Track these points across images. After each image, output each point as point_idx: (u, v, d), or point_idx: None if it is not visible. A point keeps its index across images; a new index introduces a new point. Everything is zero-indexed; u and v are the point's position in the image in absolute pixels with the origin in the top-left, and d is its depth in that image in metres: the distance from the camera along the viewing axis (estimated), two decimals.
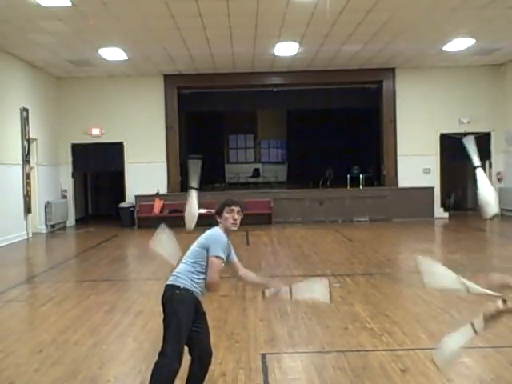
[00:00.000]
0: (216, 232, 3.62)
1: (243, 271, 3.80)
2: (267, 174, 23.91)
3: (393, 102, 16.53)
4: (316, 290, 3.57)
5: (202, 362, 3.65)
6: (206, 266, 3.56)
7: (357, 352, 4.81)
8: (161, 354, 3.46)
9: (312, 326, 5.63)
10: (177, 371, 3.43)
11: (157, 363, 3.46)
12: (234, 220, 3.63)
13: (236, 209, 3.64)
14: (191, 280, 3.54)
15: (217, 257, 3.50)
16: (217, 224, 3.67)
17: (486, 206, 3.34)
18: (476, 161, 3.43)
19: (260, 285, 3.93)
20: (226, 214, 3.63)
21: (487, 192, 3.36)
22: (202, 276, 3.57)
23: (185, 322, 3.49)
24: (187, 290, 3.52)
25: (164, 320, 3.54)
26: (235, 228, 3.65)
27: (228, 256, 3.68)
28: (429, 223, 15.08)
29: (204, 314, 3.70)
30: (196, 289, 3.55)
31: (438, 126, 16.34)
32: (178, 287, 3.53)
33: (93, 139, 16.28)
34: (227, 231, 3.64)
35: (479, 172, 3.37)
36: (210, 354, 3.68)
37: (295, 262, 9.53)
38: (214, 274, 3.50)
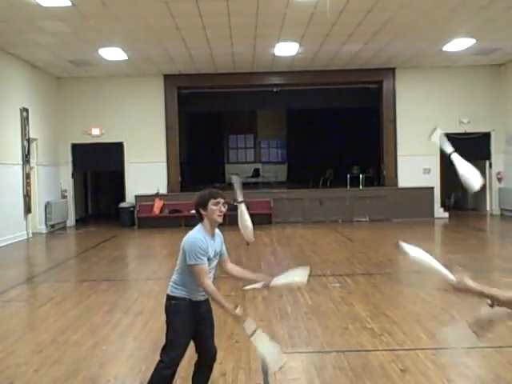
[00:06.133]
0: (191, 235, 3.52)
1: (230, 265, 3.76)
2: (267, 173, 23.89)
3: (393, 102, 16.53)
4: (296, 274, 3.56)
5: (207, 359, 3.67)
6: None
7: (357, 352, 4.81)
8: (159, 359, 3.54)
9: (312, 326, 5.63)
10: (172, 375, 3.50)
11: (155, 368, 3.54)
12: (221, 212, 3.57)
13: (222, 200, 3.59)
14: (186, 287, 3.51)
15: (195, 265, 3.42)
16: (200, 218, 3.57)
17: (469, 179, 3.23)
18: (449, 148, 3.40)
19: (247, 279, 3.84)
20: (212, 207, 3.54)
21: (467, 169, 3.28)
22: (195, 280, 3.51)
23: (181, 331, 3.51)
24: (183, 299, 3.50)
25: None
26: (221, 220, 3.57)
27: (219, 251, 3.63)
28: (429, 223, 15.07)
29: (210, 311, 3.67)
30: (192, 295, 3.51)
31: (438, 125, 16.22)
32: (173, 297, 3.53)
33: (93, 139, 16.27)
34: (213, 224, 3.57)
35: (455, 157, 3.32)
36: (213, 352, 3.69)
37: (295, 262, 9.51)
38: (201, 279, 3.43)
